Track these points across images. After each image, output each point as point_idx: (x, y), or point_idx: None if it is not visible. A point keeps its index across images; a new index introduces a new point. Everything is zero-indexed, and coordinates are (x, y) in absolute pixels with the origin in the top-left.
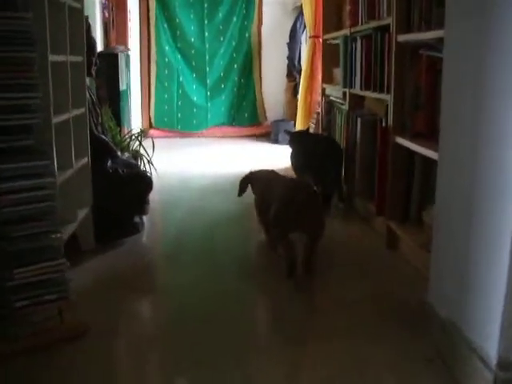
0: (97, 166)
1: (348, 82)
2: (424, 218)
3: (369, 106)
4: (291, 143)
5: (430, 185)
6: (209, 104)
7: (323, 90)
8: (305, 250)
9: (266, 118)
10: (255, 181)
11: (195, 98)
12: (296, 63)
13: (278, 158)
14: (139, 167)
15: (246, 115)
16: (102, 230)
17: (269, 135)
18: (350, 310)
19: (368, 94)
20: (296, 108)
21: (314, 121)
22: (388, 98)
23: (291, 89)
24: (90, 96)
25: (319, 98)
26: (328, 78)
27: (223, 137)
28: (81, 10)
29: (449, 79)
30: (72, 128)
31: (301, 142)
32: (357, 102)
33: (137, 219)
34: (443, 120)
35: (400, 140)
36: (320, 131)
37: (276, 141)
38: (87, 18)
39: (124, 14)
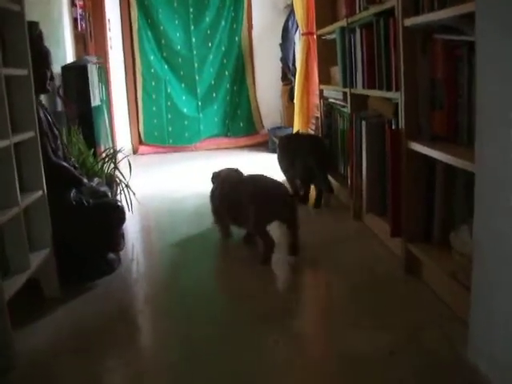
0: (57, 199)
1: (348, 80)
2: (452, 242)
3: (373, 106)
4: (279, 146)
5: (455, 198)
6: (200, 115)
7: (321, 91)
8: (290, 235)
9: (262, 126)
10: (220, 179)
11: (185, 110)
12: (290, 65)
13: (277, 167)
14: (108, 195)
15: (242, 124)
16: (69, 273)
17: (266, 144)
18: (360, 370)
19: (373, 92)
20: (294, 113)
21: (314, 126)
22: (397, 96)
23: (287, 93)
24: (46, 116)
25: (317, 101)
26: (325, 79)
27: (218, 149)
28: (20, 14)
29: (486, 67)
30: (14, 157)
31: (287, 144)
32: (359, 102)
33: (111, 256)
34: (480, 121)
35: (415, 145)
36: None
37: (274, 150)
38: (37, 24)
39: (102, 25)
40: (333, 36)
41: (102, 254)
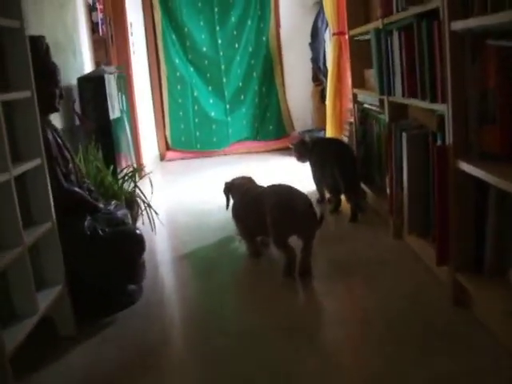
0: (69, 229)
1: (386, 87)
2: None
3: (414, 115)
4: (299, 151)
5: (511, 226)
6: (229, 118)
7: (354, 95)
8: (303, 251)
9: (293, 128)
10: (234, 189)
11: (213, 114)
12: (321, 65)
13: (308, 174)
14: (126, 222)
15: (271, 127)
16: (85, 308)
17: None
18: None
19: (414, 102)
20: (326, 115)
21: (347, 133)
22: (444, 108)
23: (318, 94)
24: (55, 138)
25: (350, 105)
26: (359, 82)
27: (248, 153)
28: (20, 31)
29: None
30: (17, 189)
31: (314, 148)
32: (398, 110)
33: (131, 287)
34: None
35: (464, 165)
36: (354, 145)
37: None
38: (43, 39)
39: (124, 29)
40: (366, 37)
41: (121, 286)
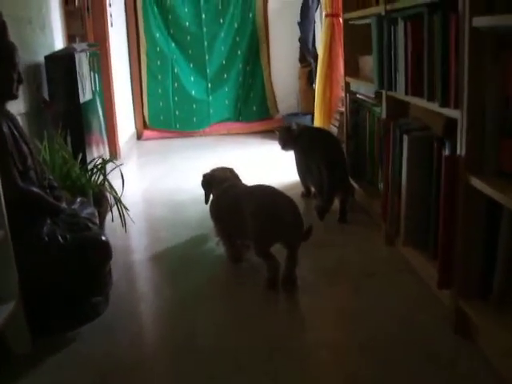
0: (26, 236)
1: (386, 81)
2: None
3: (416, 114)
4: (284, 140)
5: None
6: (210, 98)
7: (347, 84)
8: (287, 260)
9: (277, 110)
10: (213, 184)
11: (194, 92)
12: (310, 46)
13: (291, 160)
14: (91, 225)
15: (255, 108)
16: (46, 323)
17: None
18: None
19: (419, 102)
20: (312, 98)
21: (337, 123)
22: (457, 114)
23: (305, 76)
24: (11, 130)
25: (342, 94)
26: (352, 70)
27: (228, 134)
28: None
29: None
30: None
31: (300, 138)
32: (398, 107)
33: (96, 298)
34: None
35: (477, 183)
36: (344, 136)
37: None
38: None
39: None
40: (362, 21)
41: (84, 298)
